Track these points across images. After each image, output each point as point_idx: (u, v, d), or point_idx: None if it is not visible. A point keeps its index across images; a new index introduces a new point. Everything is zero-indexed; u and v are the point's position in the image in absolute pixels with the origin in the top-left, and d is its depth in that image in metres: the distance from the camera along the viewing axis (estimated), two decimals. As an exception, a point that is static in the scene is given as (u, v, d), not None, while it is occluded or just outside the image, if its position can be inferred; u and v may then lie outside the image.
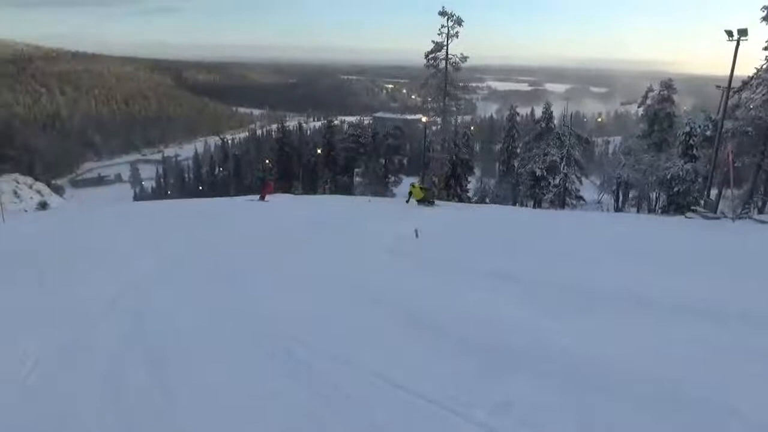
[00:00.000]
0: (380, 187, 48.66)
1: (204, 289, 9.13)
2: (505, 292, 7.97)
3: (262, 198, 29.12)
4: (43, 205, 48.00)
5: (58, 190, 77.63)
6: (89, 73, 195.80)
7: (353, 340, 6.06)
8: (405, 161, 62.99)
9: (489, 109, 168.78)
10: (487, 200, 44.72)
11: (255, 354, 5.77)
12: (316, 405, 4.48)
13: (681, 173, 29.41)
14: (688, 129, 30.61)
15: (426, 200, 22.82)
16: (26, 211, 41.79)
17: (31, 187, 58.47)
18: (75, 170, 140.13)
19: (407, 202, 23.11)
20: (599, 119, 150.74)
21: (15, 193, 53.53)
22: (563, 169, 36.45)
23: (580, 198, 37.96)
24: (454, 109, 41.25)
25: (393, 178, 49.57)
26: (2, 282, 9.91)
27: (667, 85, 35.79)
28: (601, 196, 41.28)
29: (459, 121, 50.93)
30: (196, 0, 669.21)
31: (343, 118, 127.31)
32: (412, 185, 24.92)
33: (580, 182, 38.70)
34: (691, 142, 30.39)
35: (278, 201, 29.92)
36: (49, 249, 14.39)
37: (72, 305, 8.06)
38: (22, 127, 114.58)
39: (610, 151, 66.45)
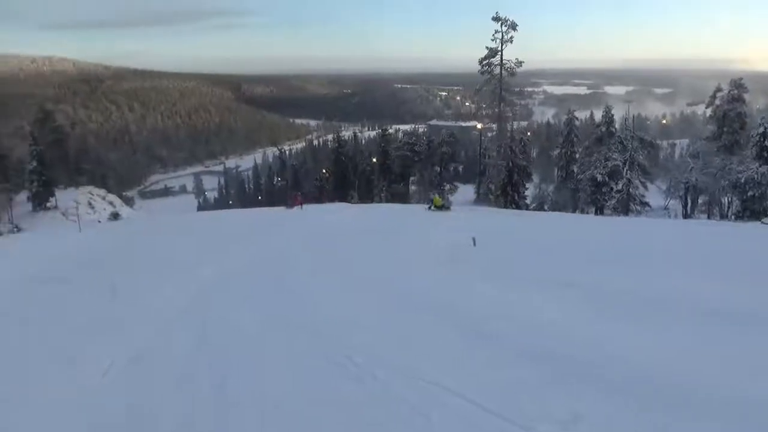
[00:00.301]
0: (436, 194, 48.41)
1: (263, 297, 9.37)
2: (567, 300, 7.74)
3: (291, 207, 32.35)
4: (115, 216, 50.25)
5: (129, 202, 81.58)
6: (155, 89, 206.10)
7: (412, 348, 6.02)
8: (460, 169, 62.56)
9: (546, 114, 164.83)
10: (546, 207, 43.57)
11: (315, 362, 5.81)
12: (379, 413, 4.45)
13: (756, 176, 27.66)
14: (762, 129, 28.84)
15: (443, 207, 27.69)
16: (100, 221, 44.08)
17: (104, 198, 61.72)
18: (143, 182, 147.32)
19: (429, 209, 27.43)
20: (663, 121, 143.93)
21: (90, 204, 56.59)
22: (626, 174, 35.02)
23: (646, 204, 36.30)
24: (510, 114, 40.67)
25: (448, 186, 49.17)
26: (78, 290, 10.50)
27: (738, 84, 33.86)
28: (667, 201, 39.29)
29: (515, 126, 49.86)
30: (254, 17, 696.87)
31: (397, 126, 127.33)
32: (433, 196, 31.47)
33: (645, 188, 37.02)
34: (766, 143, 28.63)
35: (335, 209, 30.50)
36: (120, 258, 15.19)
37: (144, 314, 8.45)
38: (95, 142, 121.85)
39: (677, 154, 63.40)
